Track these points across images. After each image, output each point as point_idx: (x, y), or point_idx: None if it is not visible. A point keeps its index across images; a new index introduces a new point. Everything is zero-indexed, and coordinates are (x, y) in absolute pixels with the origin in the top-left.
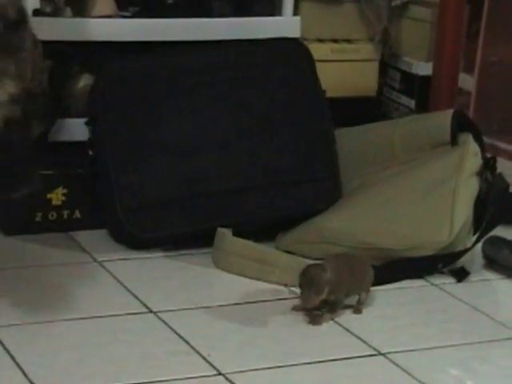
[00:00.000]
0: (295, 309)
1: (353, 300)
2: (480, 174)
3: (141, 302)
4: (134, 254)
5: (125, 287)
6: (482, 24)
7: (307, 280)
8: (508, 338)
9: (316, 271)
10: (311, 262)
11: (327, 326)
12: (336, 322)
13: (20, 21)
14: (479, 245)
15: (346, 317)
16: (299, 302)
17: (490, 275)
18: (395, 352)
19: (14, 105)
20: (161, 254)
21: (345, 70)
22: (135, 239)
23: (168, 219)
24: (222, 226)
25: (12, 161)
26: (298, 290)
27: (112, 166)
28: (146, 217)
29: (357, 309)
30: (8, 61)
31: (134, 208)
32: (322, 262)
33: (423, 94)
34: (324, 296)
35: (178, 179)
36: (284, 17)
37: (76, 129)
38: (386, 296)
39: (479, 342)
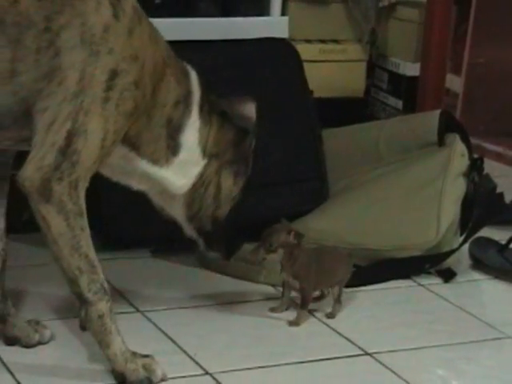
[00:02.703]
0: (273, 311)
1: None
2: (467, 174)
3: (128, 301)
4: (121, 254)
5: (112, 286)
6: (469, 25)
7: (263, 236)
8: (494, 339)
9: (272, 231)
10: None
11: (313, 326)
12: (322, 322)
13: (247, 132)
14: (466, 245)
15: None
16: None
17: (477, 276)
18: (382, 352)
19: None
20: (147, 253)
21: (332, 70)
22: (122, 239)
23: (155, 219)
24: None
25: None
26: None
27: None
28: (133, 216)
29: (330, 313)
30: (243, 165)
31: (121, 208)
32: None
33: (410, 94)
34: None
35: None
36: (272, 17)
37: None
38: (373, 296)
39: (465, 343)
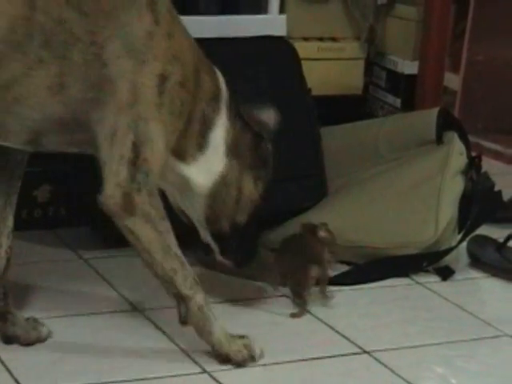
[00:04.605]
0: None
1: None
2: (465, 172)
3: (126, 299)
4: (120, 252)
5: (110, 285)
6: (467, 23)
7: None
8: (492, 336)
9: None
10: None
11: (312, 324)
12: (321, 320)
13: (262, 138)
14: (464, 243)
15: (331, 315)
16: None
17: (475, 274)
18: (380, 350)
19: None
20: None
21: (331, 68)
22: (121, 237)
23: None
24: None
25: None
26: (284, 290)
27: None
28: None
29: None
30: (263, 170)
31: None
32: None
33: (409, 92)
34: None
35: None
36: (270, 15)
37: None
38: (371, 294)
39: (464, 341)
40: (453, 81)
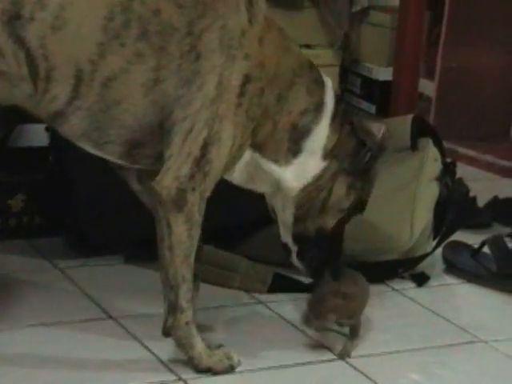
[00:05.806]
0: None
1: None
2: (440, 178)
3: (101, 308)
4: (94, 261)
5: (85, 293)
6: (442, 29)
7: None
8: (467, 342)
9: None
10: (271, 268)
11: (286, 332)
12: (295, 327)
13: (364, 145)
14: (439, 249)
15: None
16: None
17: (450, 280)
18: (355, 357)
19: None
20: (121, 260)
21: None
22: (96, 245)
23: (128, 224)
24: None
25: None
26: (258, 296)
27: (72, 171)
28: (106, 222)
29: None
30: (360, 181)
31: (94, 213)
32: None
33: (383, 99)
34: None
35: None
36: None
37: (36, 134)
38: None
39: (439, 347)
40: (428, 87)
